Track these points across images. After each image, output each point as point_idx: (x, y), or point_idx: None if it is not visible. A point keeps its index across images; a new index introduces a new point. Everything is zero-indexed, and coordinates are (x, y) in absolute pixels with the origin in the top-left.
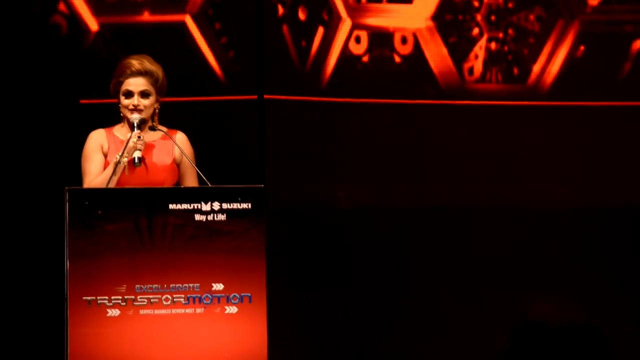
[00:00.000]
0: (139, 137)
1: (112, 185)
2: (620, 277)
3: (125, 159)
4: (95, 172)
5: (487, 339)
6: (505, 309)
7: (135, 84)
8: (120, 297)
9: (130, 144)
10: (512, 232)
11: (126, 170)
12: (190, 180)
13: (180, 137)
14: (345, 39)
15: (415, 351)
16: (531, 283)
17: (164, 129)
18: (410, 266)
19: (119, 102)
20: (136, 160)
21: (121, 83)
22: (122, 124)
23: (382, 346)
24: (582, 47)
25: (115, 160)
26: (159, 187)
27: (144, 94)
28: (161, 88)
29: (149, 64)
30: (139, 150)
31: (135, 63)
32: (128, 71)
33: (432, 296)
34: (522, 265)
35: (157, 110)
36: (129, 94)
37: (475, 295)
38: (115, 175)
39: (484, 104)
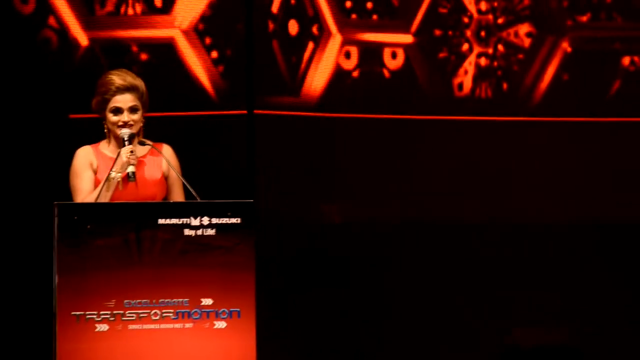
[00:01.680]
0: (131, 151)
1: (105, 201)
2: (607, 292)
3: (119, 175)
4: (87, 189)
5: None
6: (494, 321)
7: (124, 100)
8: (109, 312)
9: (124, 158)
10: (501, 246)
11: (120, 186)
12: (177, 193)
13: (167, 150)
14: (335, 54)
15: None
16: (519, 295)
17: (151, 142)
18: (403, 281)
19: (104, 119)
20: (130, 175)
21: (107, 100)
22: (107, 141)
23: (375, 358)
24: (571, 63)
25: (110, 177)
26: (149, 201)
27: (132, 110)
28: (145, 102)
29: (132, 79)
30: (133, 164)
31: (117, 79)
32: (113, 87)
33: (427, 312)
34: (510, 278)
35: (142, 125)
36: (117, 111)
37: (463, 315)
38: (108, 191)
39: (474, 119)
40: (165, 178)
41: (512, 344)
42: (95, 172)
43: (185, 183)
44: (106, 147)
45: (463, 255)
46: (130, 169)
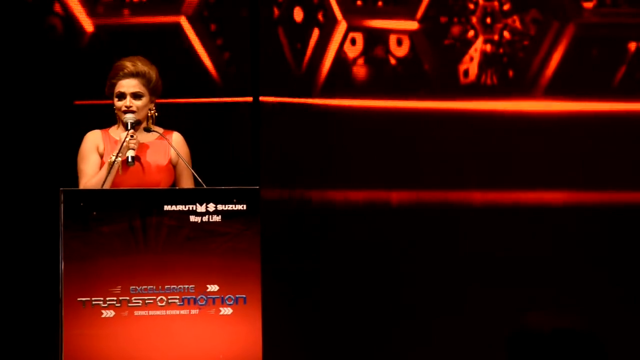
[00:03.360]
0: (131, 136)
1: (107, 185)
2: (608, 278)
3: (119, 159)
4: (91, 173)
5: (481, 343)
6: (500, 310)
7: (127, 85)
8: (115, 298)
9: (124, 143)
10: (507, 234)
11: (120, 170)
12: (186, 181)
13: (176, 138)
14: (340, 40)
15: (413, 353)
16: (524, 283)
17: (160, 129)
18: (406, 267)
19: (114, 104)
20: (129, 159)
21: (114, 85)
22: (117, 125)
23: (378, 347)
24: (577, 50)
25: (109, 160)
26: (155, 188)
27: (136, 95)
28: (154, 89)
29: (142, 65)
30: (132, 149)
31: (128, 65)
32: (121, 73)
33: (430, 297)
34: (515, 266)
35: (152, 113)
36: (121, 96)
37: (473, 296)
38: (110, 175)
39: (480, 107)
40: (174, 165)
41: (521, 328)
42: (101, 156)
43: (191, 170)
44: (115, 131)
45: (468, 242)
46: (130, 153)
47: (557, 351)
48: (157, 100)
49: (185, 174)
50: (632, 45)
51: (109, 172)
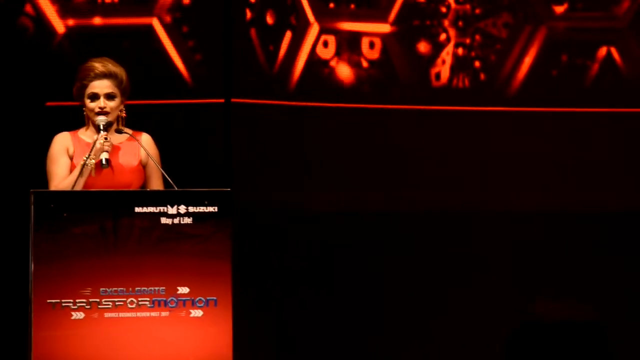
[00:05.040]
0: (105, 138)
1: (78, 187)
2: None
3: (93, 161)
4: (62, 175)
5: (474, 344)
6: (490, 310)
7: (100, 86)
8: (85, 300)
9: (97, 145)
10: (483, 235)
11: (93, 172)
12: (156, 181)
13: (146, 139)
14: (313, 43)
15: (391, 352)
16: (519, 284)
17: (130, 131)
18: (378, 271)
19: (84, 106)
20: (104, 162)
21: (85, 86)
22: (86, 127)
23: (357, 347)
24: (548, 54)
25: (82, 162)
26: (126, 189)
27: (109, 96)
28: (125, 90)
29: (112, 66)
30: (106, 151)
31: (98, 65)
32: (92, 74)
33: (407, 299)
34: (497, 269)
35: (122, 114)
36: (94, 97)
37: (455, 299)
38: (82, 177)
39: (451, 109)
40: (143, 166)
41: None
42: (71, 158)
43: (162, 172)
44: (84, 133)
45: (445, 244)
46: (104, 155)
47: (561, 342)
48: (130, 102)
49: (155, 175)
50: (603, 49)
51: (80, 174)
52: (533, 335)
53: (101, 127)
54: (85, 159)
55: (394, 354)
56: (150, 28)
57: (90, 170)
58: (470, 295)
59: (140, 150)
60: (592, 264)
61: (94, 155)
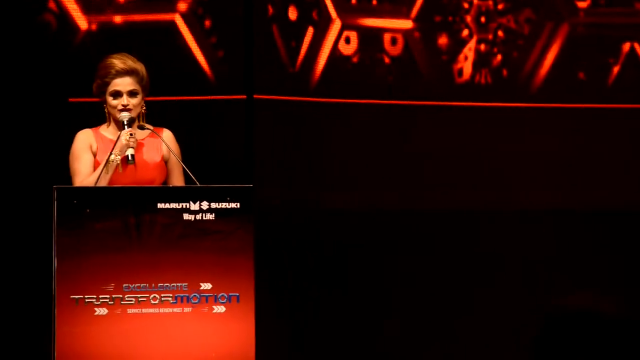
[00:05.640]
0: (131, 134)
1: (104, 184)
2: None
3: (119, 157)
4: (86, 172)
5: (485, 344)
6: (499, 309)
7: (123, 83)
8: (108, 296)
9: (123, 141)
10: (502, 234)
11: (119, 168)
12: (177, 177)
13: (167, 135)
14: (335, 39)
15: (404, 351)
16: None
17: (151, 127)
18: (399, 268)
19: (105, 102)
20: (130, 158)
21: (107, 84)
22: (107, 124)
23: (372, 346)
24: (570, 50)
25: (107, 159)
26: (148, 185)
27: (132, 93)
28: (146, 86)
29: (132, 63)
30: (132, 147)
31: (118, 62)
32: (113, 71)
33: (420, 298)
34: (511, 267)
35: (143, 110)
36: (117, 94)
37: (469, 298)
38: (107, 173)
39: (473, 105)
40: (165, 162)
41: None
42: (94, 155)
43: (185, 167)
44: (106, 130)
45: (464, 244)
46: (130, 151)
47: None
48: (152, 98)
49: (177, 171)
50: (626, 45)
51: (106, 170)
52: (556, 332)
53: (125, 124)
54: (112, 155)
55: (405, 354)
56: (172, 24)
57: (117, 167)
58: (484, 294)
59: (162, 146)
60: (620, 261)
61: (119, 151)
